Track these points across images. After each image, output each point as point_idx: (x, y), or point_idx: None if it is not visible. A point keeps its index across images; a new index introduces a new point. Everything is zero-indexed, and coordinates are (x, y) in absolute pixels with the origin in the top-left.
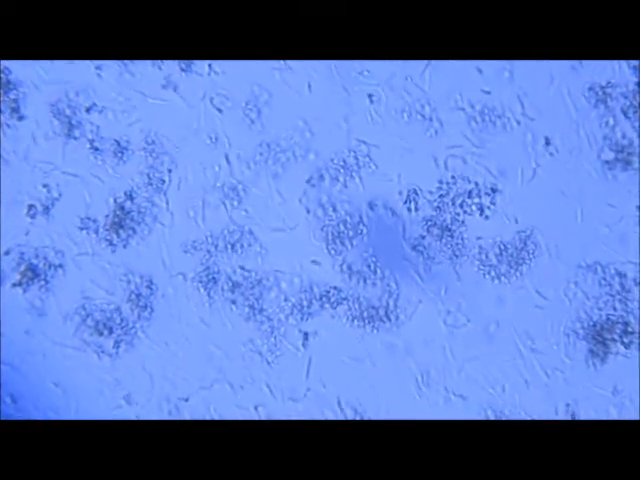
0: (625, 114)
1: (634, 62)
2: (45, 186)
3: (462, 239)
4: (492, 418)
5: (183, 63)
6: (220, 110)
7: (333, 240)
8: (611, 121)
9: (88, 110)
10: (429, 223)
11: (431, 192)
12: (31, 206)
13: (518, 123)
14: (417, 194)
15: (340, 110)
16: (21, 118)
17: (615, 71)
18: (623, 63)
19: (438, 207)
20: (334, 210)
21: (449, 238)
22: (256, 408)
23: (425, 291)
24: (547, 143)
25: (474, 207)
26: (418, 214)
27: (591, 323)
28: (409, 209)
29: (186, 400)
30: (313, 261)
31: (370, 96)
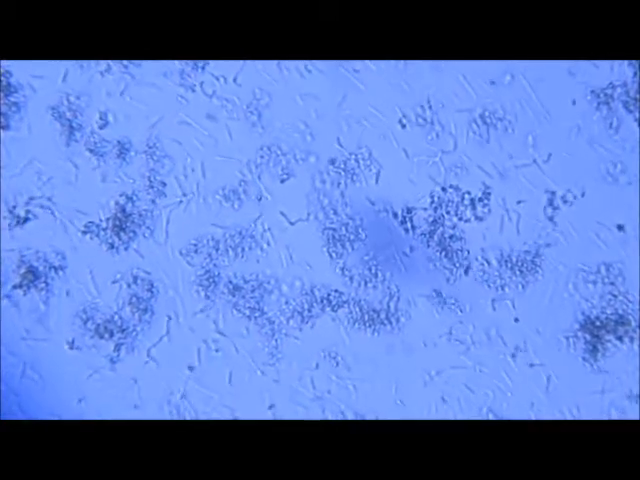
0: (627, 108)
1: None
2: (46, 188)
3: (462, 248)
4: (492, 418)
5: (187, 64)
6: (221, 112)
7: (334, 243)
8: (615, 122)
9: (102, 117)
10: (427, 236)
11: (426, 207)
12: (31, 208)
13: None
14: (411, 212)
15: (342, 112)
16: (22, 121)
17: (616, 72)
18: (624, 63)
19: (435, 221)
20: (335, 213)
21: (449, 245)
22: (256, 409)
23: (426, 295)
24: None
25: (469, 214)
26: (415, 230)
27: (589, 321)
28: (406, 230)
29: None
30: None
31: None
